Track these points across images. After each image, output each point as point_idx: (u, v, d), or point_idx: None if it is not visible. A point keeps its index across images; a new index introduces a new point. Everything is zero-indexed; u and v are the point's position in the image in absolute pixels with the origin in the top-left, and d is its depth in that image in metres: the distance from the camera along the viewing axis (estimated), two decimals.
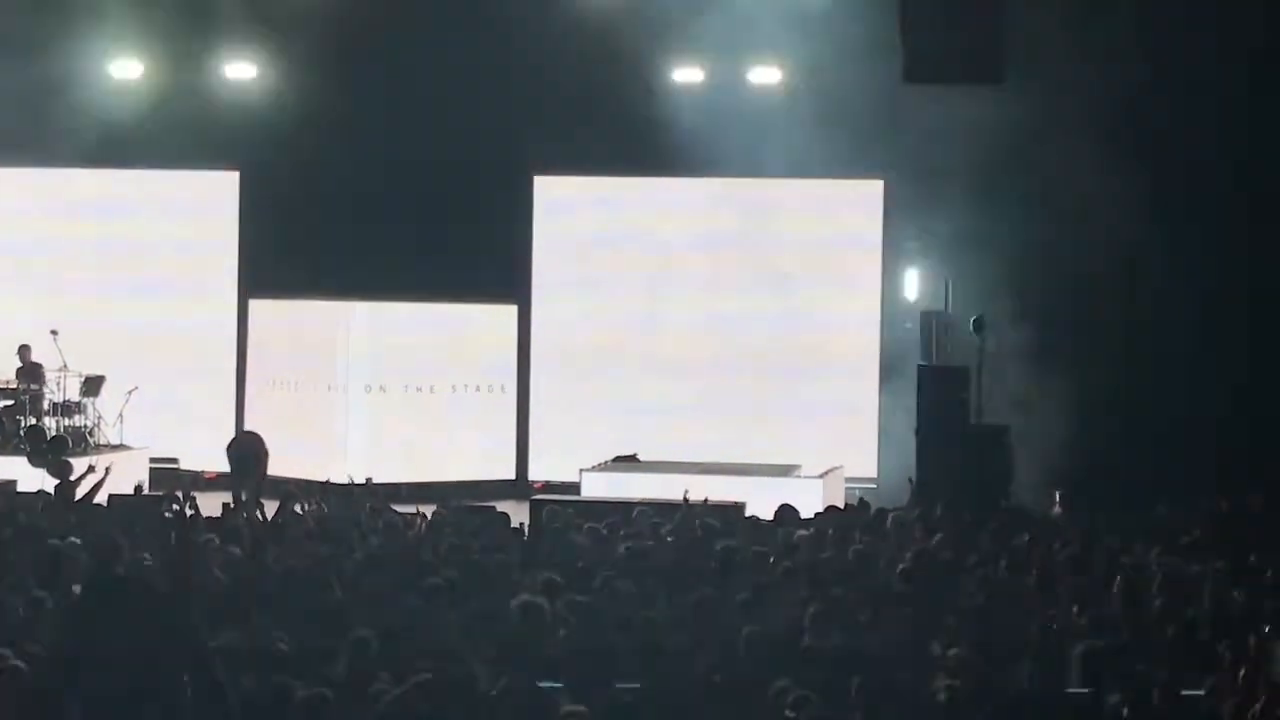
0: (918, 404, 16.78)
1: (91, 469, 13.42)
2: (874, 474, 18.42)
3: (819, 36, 17.43)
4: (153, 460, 18.54)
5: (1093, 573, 10.07)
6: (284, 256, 19.10)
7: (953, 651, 7.64)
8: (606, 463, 17.57)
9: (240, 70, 19.17)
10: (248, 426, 19.11)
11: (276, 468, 16.25)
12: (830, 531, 11.51)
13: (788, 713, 6.62)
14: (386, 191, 18.85)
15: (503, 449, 19.40)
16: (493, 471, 19.10)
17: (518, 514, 13.45)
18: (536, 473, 19.26)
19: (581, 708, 6.27)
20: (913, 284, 18.58)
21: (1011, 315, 17.28)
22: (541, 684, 6.92)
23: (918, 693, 7.06)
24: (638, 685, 7.03)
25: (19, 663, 6.80)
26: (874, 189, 18.82)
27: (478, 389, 19.32)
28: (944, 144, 17.62)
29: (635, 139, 18.28)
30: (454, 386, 19.18)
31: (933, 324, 17.37)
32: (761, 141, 17.92)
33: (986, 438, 16.20)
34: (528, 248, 19.58)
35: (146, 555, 9.60)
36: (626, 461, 17.76)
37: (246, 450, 15.37)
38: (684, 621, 8.40)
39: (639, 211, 19.49)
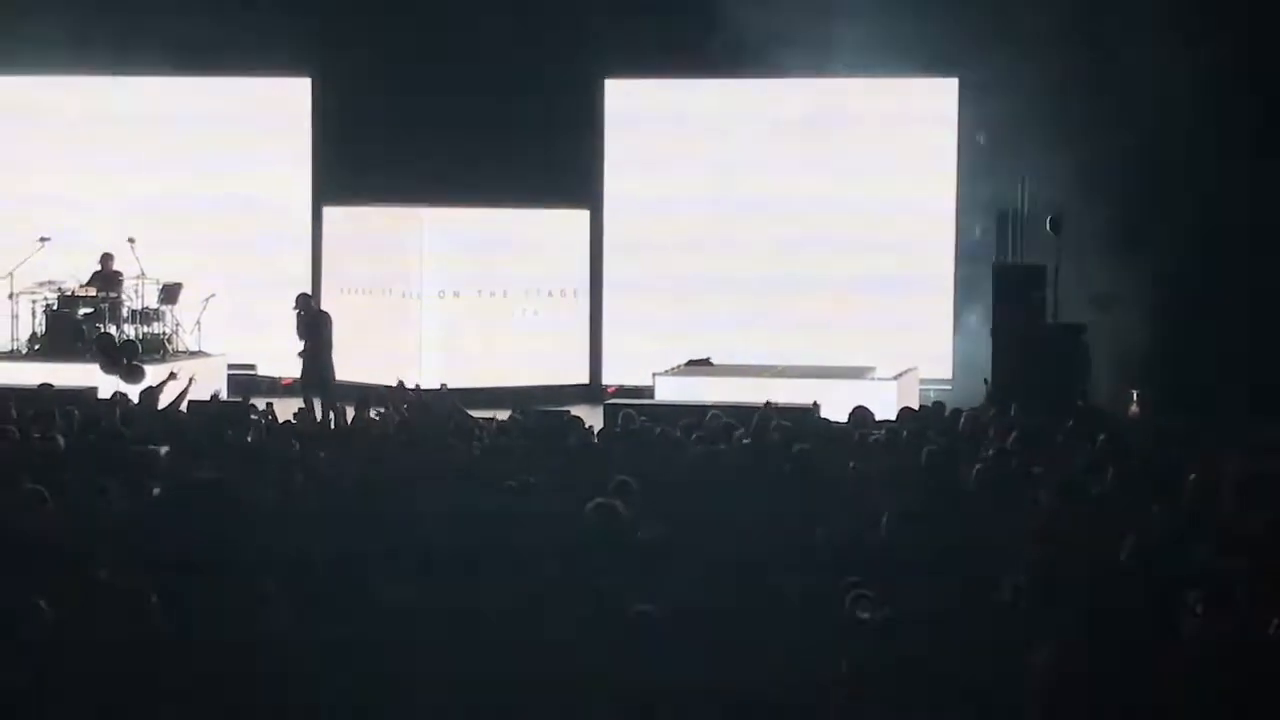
0: (993, 304, 16.64)
1: (173, 376, 13.57)
2: (949, 375, 18.33)
3: None
4: (230, 367, 18.78)
5: (1169, 473, 9.99)
6: (357, 163, 19.16)
7: (1024, 551, 7.61)
8: (680, 367, 17.59)
9: None
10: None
11: (352, 373, 16.43)
12: (905, 433, 11.48)
13: (860, 613, 6.63)
14: (458, 96, 18.80)
15: (576, 354, 19.47)
16: (566, 376, 19.17)
17: (591, 418, 13.52)
18: (609, 377, 19.32)
19: (650, 607, 6.31)
20: (987, 182, 18.33)
21: (1089, 212, 17.03)
22: (614, 583, 6.96)
23: (989, 593, 7.04)
24: (709, 586, 7.06)
25: (103, 571, 6.89)
26: (949, 86, 18.58)
27: (550, 294, 19.35)
28: (1019, 39, 17.34)
29: (707, 40, 18.10)
30: (526, 292, 19.23)
31: (1008, 222, 17.17)
32: (834, 42, 17.71)
33: (1063, 337, 16.05)
34: (600, 152, 19.53)
35: (224, 461, 9.74)
36: (700, 365, 17.77)
37: (316, 316, 15.77)
38: (758, 524, 8.42)
39: (711, 113, 19.35)
